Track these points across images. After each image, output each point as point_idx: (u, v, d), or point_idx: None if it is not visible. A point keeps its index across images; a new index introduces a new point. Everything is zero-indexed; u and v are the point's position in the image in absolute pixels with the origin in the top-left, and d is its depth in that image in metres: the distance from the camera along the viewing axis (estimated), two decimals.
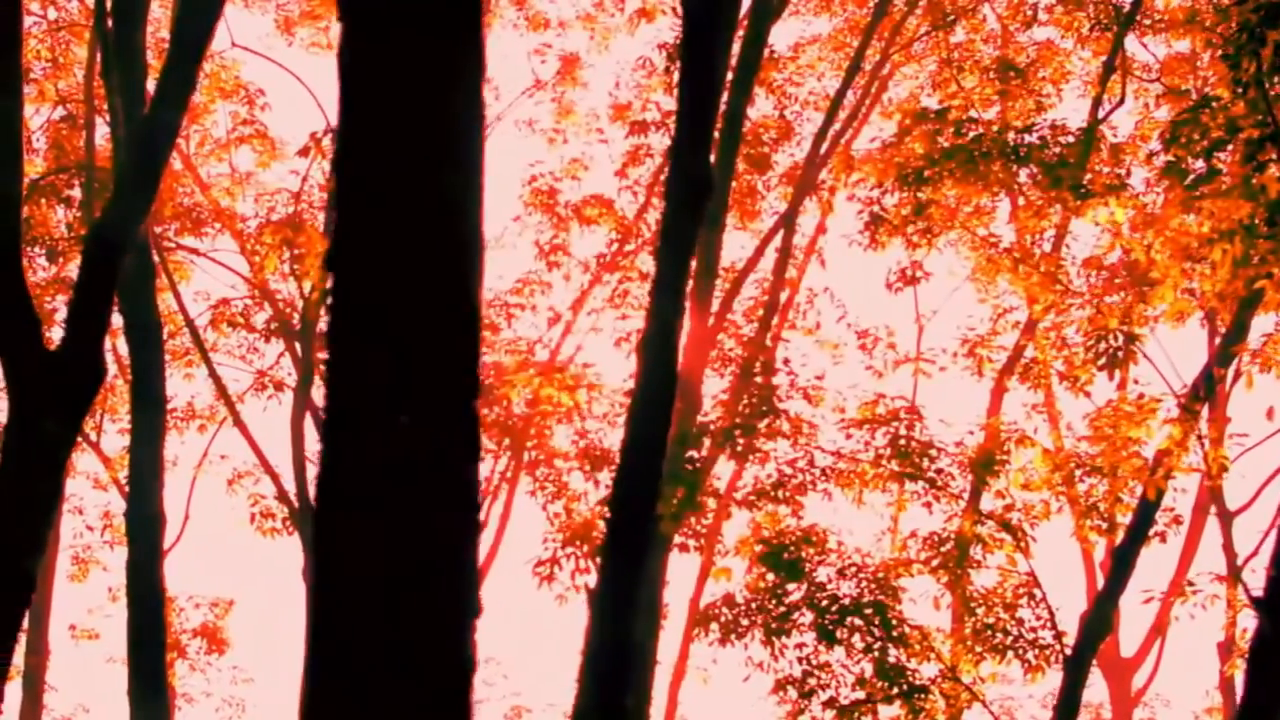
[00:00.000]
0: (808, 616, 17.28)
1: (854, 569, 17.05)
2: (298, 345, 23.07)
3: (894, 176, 16.77)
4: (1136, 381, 18.44)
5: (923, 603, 17.79)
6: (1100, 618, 16.23)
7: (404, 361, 5.72)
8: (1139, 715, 25.61)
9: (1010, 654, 17.12)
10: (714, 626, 17.44)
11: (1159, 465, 15.35)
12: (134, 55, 14.93)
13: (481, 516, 22.55)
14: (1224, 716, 22.82)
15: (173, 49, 12.16)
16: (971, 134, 17.13)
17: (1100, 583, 24.14)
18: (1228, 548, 23.03)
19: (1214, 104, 16.26)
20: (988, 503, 17.74)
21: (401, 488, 5.64)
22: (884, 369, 20.96)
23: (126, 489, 20.45)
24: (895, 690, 17.01)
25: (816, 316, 23.04)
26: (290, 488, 21.90)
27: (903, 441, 16.95)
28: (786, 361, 17.44)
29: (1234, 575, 21.66)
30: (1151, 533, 16.52)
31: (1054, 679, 18.61)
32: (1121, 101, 20.17)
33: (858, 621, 17.16)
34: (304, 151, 19.63)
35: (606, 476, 22.78)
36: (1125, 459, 18.00)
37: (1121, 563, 16.19)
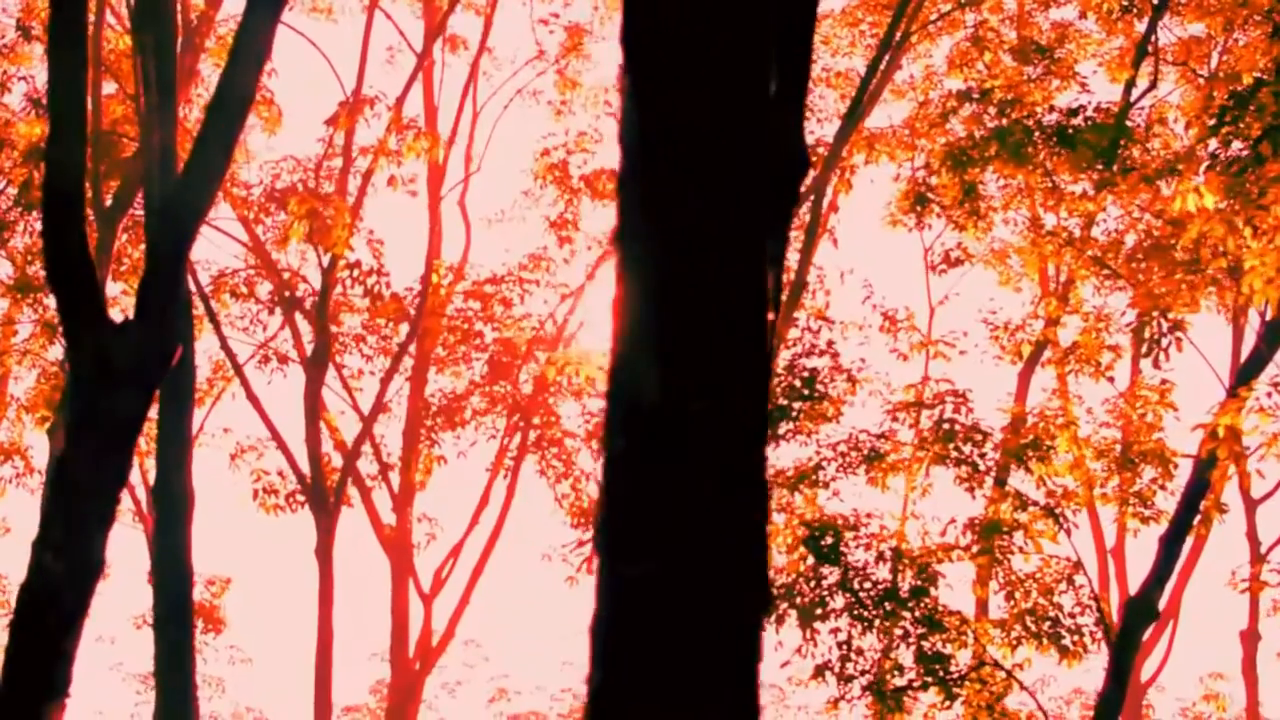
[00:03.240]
0: (840, 600, 17.06)
1: (892, 553, 16.80)
2: (299, 317, 22.60)
3: (942, 157, 16.50)
4: (1158, 366, 18.30)
5: (959, 588, 17.60)
6: (1147, 603, 16.04)
7: (695, 354, 5.48)
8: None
9: (1047, 639, 16.93)
10: None
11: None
12: (166, 17, 14.55)
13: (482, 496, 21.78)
14: (1248, 703, 22.77)
15: (249, 11, 11.72)
16: (1015, 115, 16.92)
17: (1111, 570, 24.06)
18: (1251, 535, 22.95)
19: (1265, 89, 16.13)
20: (1024, 487, 17.57)
21: (692, 477, 5.36)
22: (908, 352, 20.69)
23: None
24: (932, 677, 16.80)
25: (826, 296, 22.76)
26: (304, 465, 21.45)
27: (946, 425, 16.70)
28: (831, 344, 17.13)
29: (1258, 562, 21.58)
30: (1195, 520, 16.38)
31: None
32: (1153, 85, 19.99)
33: (889, 606, 16.95)
34: (332, 120, 19.10)
35: None
36: (1156, 445, 17.93)
37: (1170, 548, 16.00)
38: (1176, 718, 30.99)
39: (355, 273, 20.10)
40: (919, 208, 17.24)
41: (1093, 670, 26.84)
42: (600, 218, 24.35)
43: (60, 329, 12.29)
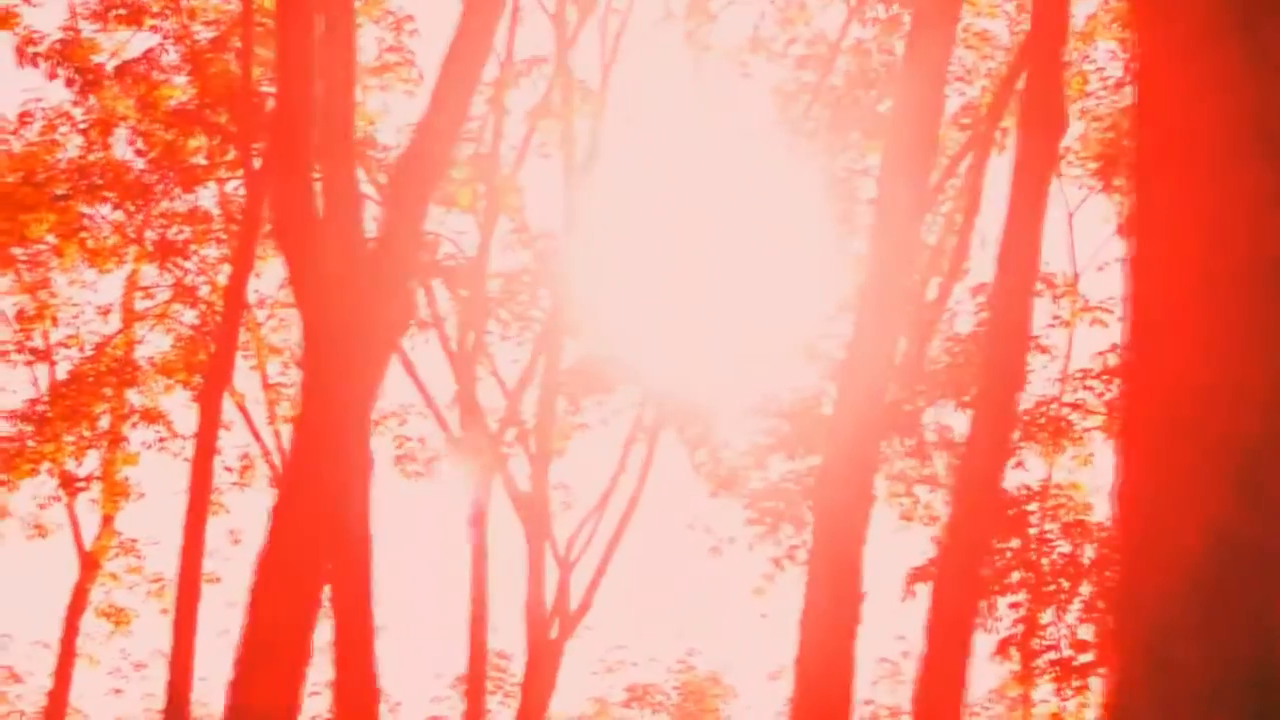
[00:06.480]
0: (1015, 575, 16.73)
1: (1079, 527, 16.47)
2: (435, 283, 22.32)
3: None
4: None
5: None
6: None
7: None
8: None
9: None
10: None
11: None
12: None
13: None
14: None
15: None
16: None
17: None
18: None
19: None
20: None
21: None
22: (1070, 318, 20.27)
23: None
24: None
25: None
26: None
27: None
28: None
29: None
30: None
31: None
32: None
33: (1065, 582, 16.63)
34: (497, 83, 18.75)
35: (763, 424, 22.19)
36: None
37: None
38: None
39: (524, 235, 19.81)
40: (1108, 170, 16.85)
41: None
42: None
43: (292, 292, 11.97)
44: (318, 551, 10.58)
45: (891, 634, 30.19)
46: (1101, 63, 21.52)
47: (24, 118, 21.97)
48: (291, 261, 11.28)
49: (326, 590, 14.93)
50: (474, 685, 20.91)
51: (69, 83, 20.72)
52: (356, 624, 15.07)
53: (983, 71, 22.88)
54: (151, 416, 22.92)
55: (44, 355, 24.03)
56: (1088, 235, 22.99)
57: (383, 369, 11.01)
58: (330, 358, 10.90)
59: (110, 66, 20.76)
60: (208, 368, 20.51)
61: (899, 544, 22.11)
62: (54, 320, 23.97)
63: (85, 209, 22.11)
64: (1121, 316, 5.04)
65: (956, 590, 10.61)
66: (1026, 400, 16.62)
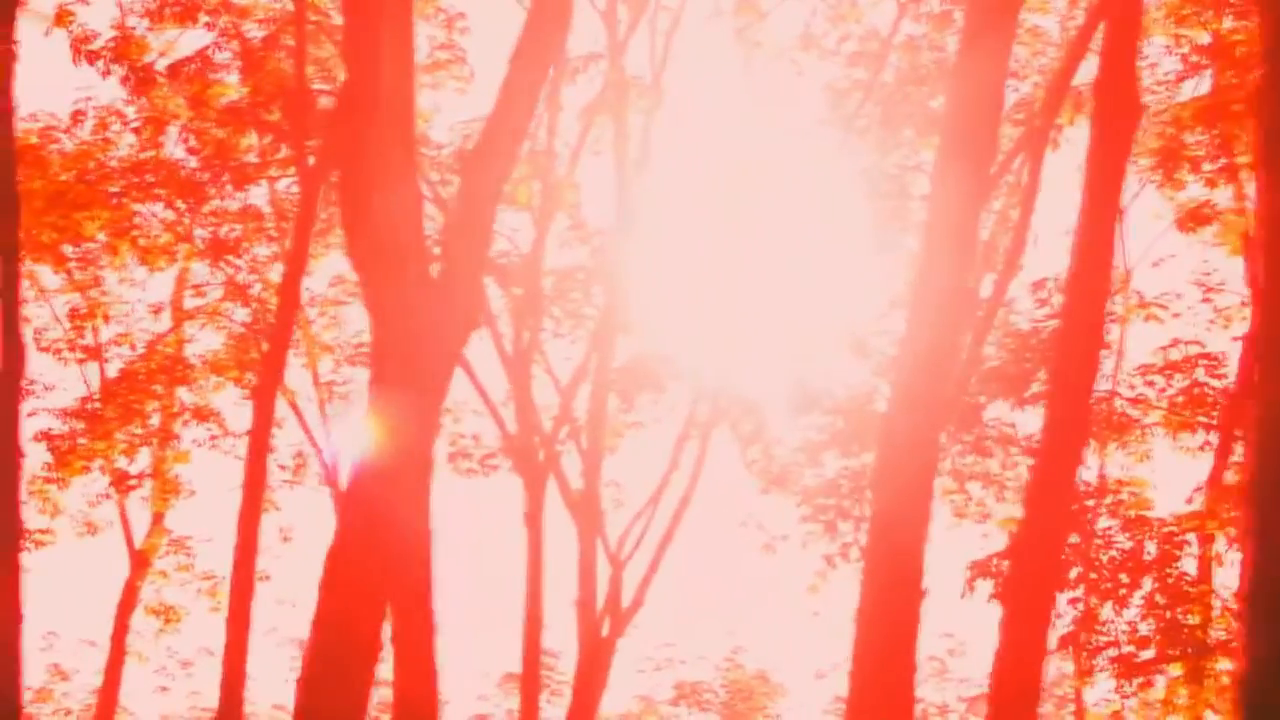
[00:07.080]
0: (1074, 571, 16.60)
1: (1140, 522, 16.32)
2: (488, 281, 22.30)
3: (1192, 112, 16.00)
4: None
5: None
6: None
7: None
8: None
9: None
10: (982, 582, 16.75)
11: None
12: None
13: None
14: None
15: None
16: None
17: None
18: None
19: None
20: None
21: None
22: (1126, 314, 20.15)
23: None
24: (1177, 651, 16.33)
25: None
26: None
27: (1197, 391, 16.21)
28: None
29: None
30: None
31: None
32: None
33: (1124, 578, 16.49)
34: (553, 81, 18.70)
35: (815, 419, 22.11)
36: None
37: None
38: None
39: (580, 233, 19.79)
40: (1170, 165, 16.72)
41: None
42: None
43: (362, 292, 11.93)
44: (384, 550, 10.52)
45: (938, 631, 30.08)
46: (1155, 58, 21.40)
47: (77, 116, 22.03)
48: (359, 260, 11.22)
49: None
50: (529, 683, 20.91)
51: (122, 81, 20.72)
52: (417, 622, 15.06)
53: (1035, 67, 22.77)
54: (203, 414, 23.03)
55: (95, 353, 24.14)
56: (1142, 231, 22.74)
57: (450, 370, 10.94)
58: (398, 358, 10.85)
59: (162, 65, 20.73)
60: (261, 365, 20.55)
61: (948, 540, 22.03)
62: (105, 318, 24.10)
63: (137, 207, 22.19)
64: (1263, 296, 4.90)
65: (1031, 588, 10.52)
66: None
